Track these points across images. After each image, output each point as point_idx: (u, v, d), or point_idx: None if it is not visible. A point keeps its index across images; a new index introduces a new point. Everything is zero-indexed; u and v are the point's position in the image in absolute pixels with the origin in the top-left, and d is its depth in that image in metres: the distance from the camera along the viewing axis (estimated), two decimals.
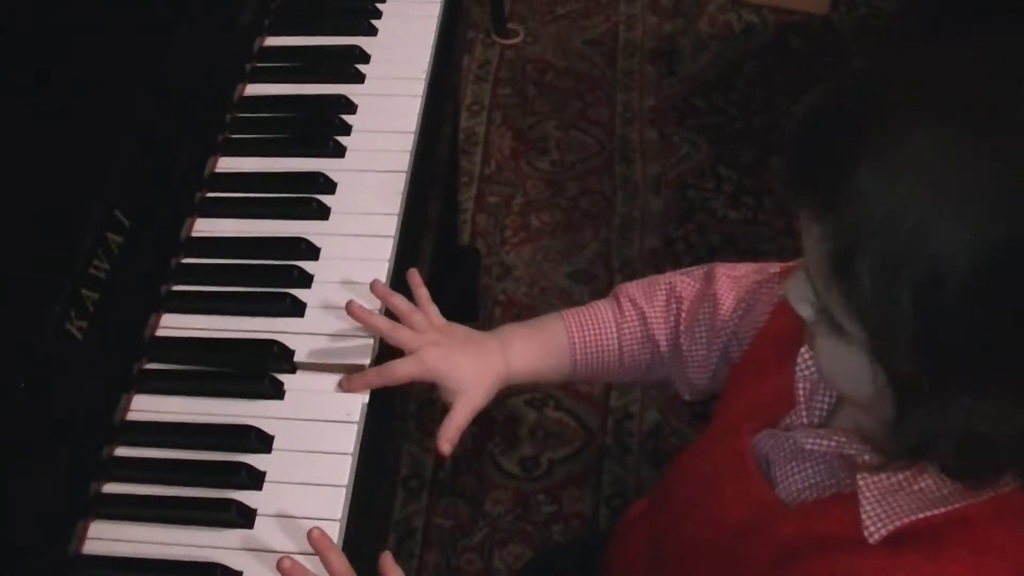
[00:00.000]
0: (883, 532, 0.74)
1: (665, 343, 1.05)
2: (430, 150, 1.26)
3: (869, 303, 0.67)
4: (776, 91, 2.49)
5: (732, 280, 1.03)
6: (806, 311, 0.75)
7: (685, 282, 1.06)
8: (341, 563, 0.87)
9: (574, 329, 1.06)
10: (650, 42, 2.63)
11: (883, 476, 0.75)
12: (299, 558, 0.88)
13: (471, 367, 1.03)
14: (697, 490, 0.95)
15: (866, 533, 0.74)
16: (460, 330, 1.06)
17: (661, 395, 1.93)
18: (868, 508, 0.75)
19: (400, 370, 1.00)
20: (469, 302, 2.06)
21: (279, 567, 0.86)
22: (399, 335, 1.02)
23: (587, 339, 1.06)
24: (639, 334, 1.05)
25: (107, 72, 1.06)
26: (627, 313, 1.06)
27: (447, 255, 1.94)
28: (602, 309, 1.07)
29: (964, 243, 0.63)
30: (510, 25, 2.65)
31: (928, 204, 0.64)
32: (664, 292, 1.06)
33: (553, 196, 2.30)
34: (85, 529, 0.92)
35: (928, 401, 0.69)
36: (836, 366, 0.76)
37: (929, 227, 0.63)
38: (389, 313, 1.04)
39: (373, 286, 1.04)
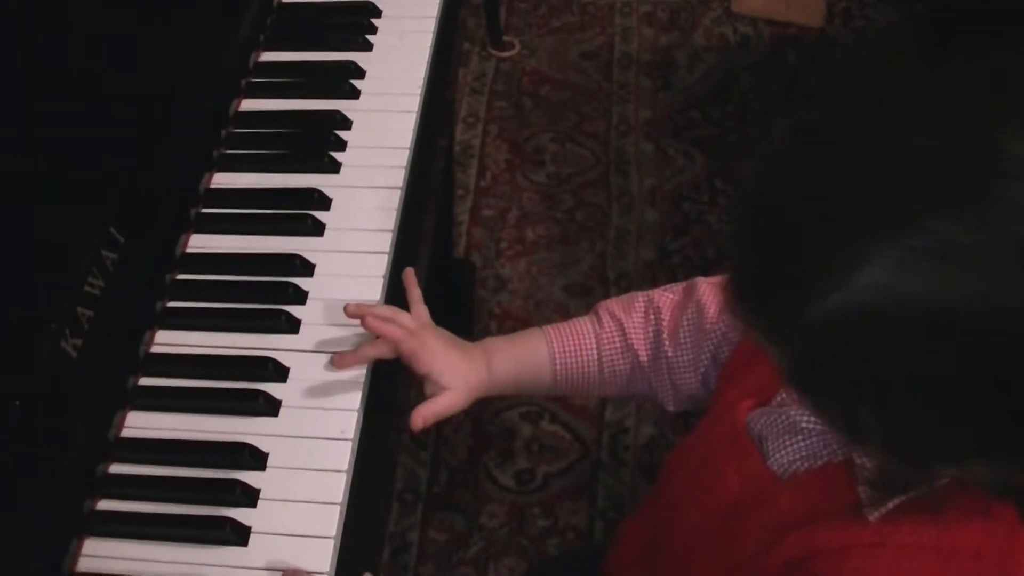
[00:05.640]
0: (882, 510, 0.75)
1: (645, 353, 1.06)
2: (425, 164, 1.26)
3: (830, 410, 0.69)
4: (772, 104, 2.49)
5: (714, 286, 1.05)
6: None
7: (663, 295, 1.08)
8: None
9: (554, 341, 1.08)
10: (646, 55, 2.64)
11: None
12: None
13: (461, 364, 1.05)
14: (696, 471, 0.96)
15: (866, 511, 0.75)
16: (448, 333, 1.08)
17: (656, 409, 1.93)
18: (868, 488, 0.76)
19: (394, 335, 1.02)
20: (464, 315, 2.06)
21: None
22: (387, 330, 1.02)
23: (567, 350, 1.07)
24: (619, 344, 1.07)
25: (101, 88, 1.06)
26: (606, 325, 1.08)
27: (442, 268, 1.94)
28: (582, 323, 1.09)
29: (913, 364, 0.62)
30: (506, 38, 2.65)
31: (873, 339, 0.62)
32: (642, 304, 1.08)
33: (548, 209, 2.30)
34: (79, 546, 0.92)
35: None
36: (811, 409, 0.76)
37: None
38: None
39: (346, 309, 1.03)
